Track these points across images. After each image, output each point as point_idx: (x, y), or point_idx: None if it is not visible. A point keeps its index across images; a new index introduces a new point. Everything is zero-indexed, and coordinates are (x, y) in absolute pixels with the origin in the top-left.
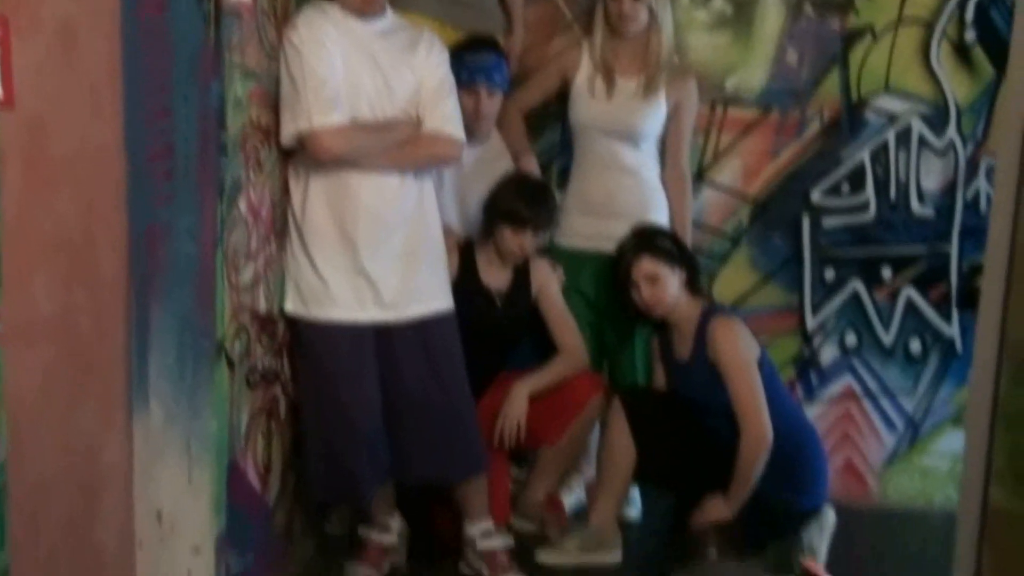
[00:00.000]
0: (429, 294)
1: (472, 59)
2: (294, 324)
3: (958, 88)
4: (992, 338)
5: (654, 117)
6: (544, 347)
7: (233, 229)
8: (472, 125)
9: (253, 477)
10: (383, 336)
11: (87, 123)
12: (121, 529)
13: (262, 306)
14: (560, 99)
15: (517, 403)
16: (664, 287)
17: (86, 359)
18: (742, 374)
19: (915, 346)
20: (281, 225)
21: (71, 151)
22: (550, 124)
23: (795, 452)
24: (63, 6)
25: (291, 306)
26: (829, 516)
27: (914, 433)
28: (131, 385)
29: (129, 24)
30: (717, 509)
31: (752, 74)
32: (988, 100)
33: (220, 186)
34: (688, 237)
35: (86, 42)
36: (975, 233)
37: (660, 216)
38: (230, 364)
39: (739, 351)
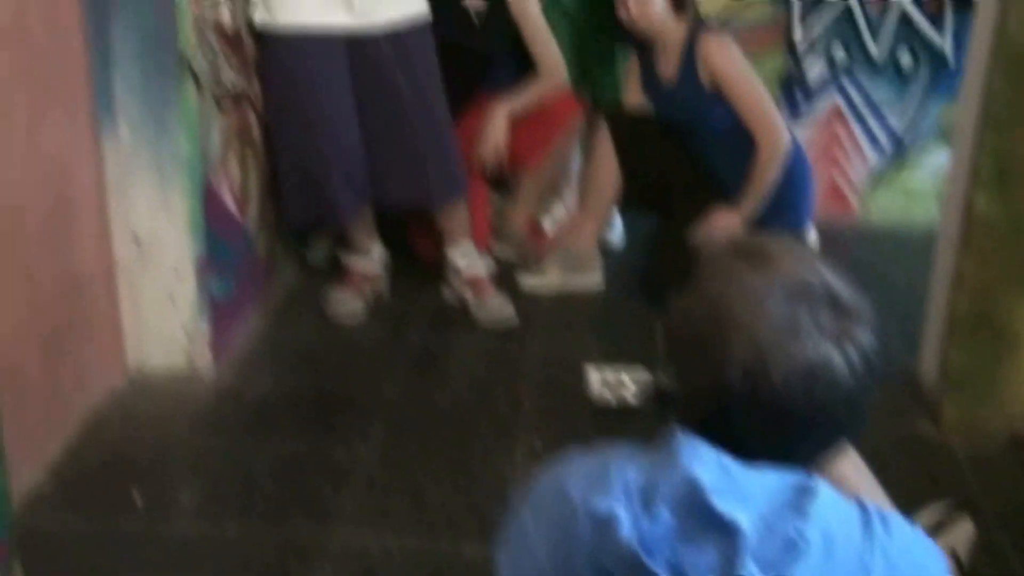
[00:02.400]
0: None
1: None
2: (262, 39)
3: None
4: (987, 36)
5: None
6: (524, 67)
7: None
8: None
9: (229, 201)
10: (356, 47)
11: None
12: (99, 251)
13: (227, 20)
14: None
15: (496, 125)
16: (650, 3)
17: (44, 71)
18: (745, 84)
19: (905, 60)
20: None
21: None
22: None
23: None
24: None
25: (259, 17)
26: (811, 236)
27: (900, 151)
28: (96, 102)
29: None
30: (727, 219)
31: None
32: None
33: None
34: None
35: None
36: None
37: None
38: (197, 82)
39: (736, 63)
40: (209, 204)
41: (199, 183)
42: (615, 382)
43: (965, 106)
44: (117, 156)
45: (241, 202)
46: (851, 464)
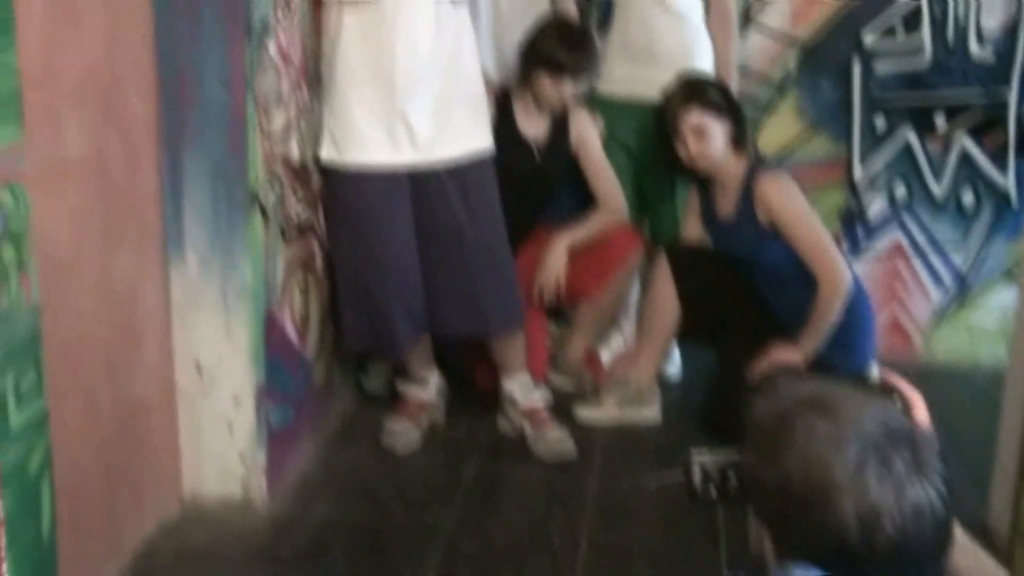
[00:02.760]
0: (466, 134)
1: None
2: (328, 173)
3: None
4: None
5: None
6: (583, 200)
7: (263, 73)
8: None
9: (290, 330)
10: (418, 180)
11: None
12: (161, 379)
13: (295, 155)
14: None
15: (556, 257)
16: (711, 140)
17: (119, 205)
18: (804, 223)
19: (967, 198)
20: (313, 72)
21: None
22: None
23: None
24: None
25: (325, 153)
26: (874, 374)
27: (963, 289)
28: (166, 233)
29: None
30: (786, 354)
31: None
32: None
33: (247, 27)
34: (733, 84)
35: None
36: None
37: (704, 62)
38: (264, 214)
39: (794, 203)
40: (270, 332)
41: (262, 312)
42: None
43: None
44: (183, 285)
45: (301, 330)
46: (965, 554)
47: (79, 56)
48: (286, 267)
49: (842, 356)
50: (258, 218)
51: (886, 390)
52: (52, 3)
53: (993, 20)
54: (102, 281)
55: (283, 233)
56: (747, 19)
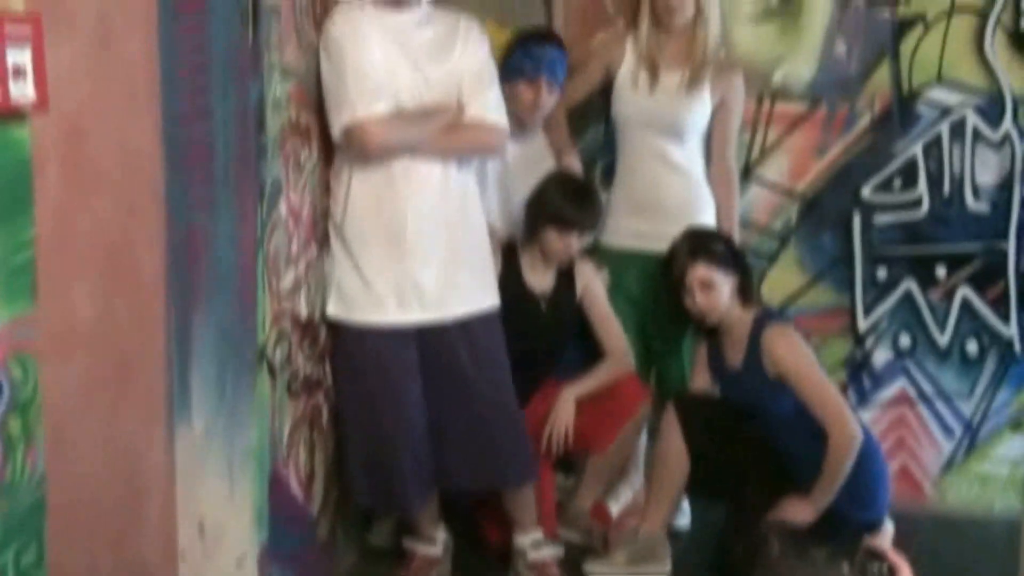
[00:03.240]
0: (473, 293)
1: (538, 51)
2: (335, 328)
3: (1014, 78)
4: None
5: (698, 111)
6: (590, 352)
7: (273, 233)
8: (527, 117)
9: (295, 487)
10: (426, 336)
11: (124, 125)
12: (164, 541)
13: (303, 311)
14: (603, 95)
15: (565, 409)
16: (717, 293)
17: (126, 368)
18: (812, 378)
19: (972, 347)
20: (322, 228)
21: (108, 154)
22: (593, 121)
23: (856, 465)
24: (97, 4)
25: (333, 310)
26: (887, 526)
27: (972, 438)
28: (172, 394)
29: (166, 23)
30: (798, 511)
31: (800, 66)
32: None
33: (260, 189)
34: (736, 236)
35: (122, 41)
36: None
37: (707, 215)
38: (271, 372)
39: (801, 356)
40: (275, 491)
41: (266, 473)
42: None
43: None
44: (188, 446)
45: (306, 487)
46: None
47: (91, 222)
48: (292, 424)
49: (857, 510)
50: (265, 377)
51: (873, 557)
52: (67, 173)
53: (987, 176)
54: (106, 446)
55: (290, 389)
56: (748, 172)
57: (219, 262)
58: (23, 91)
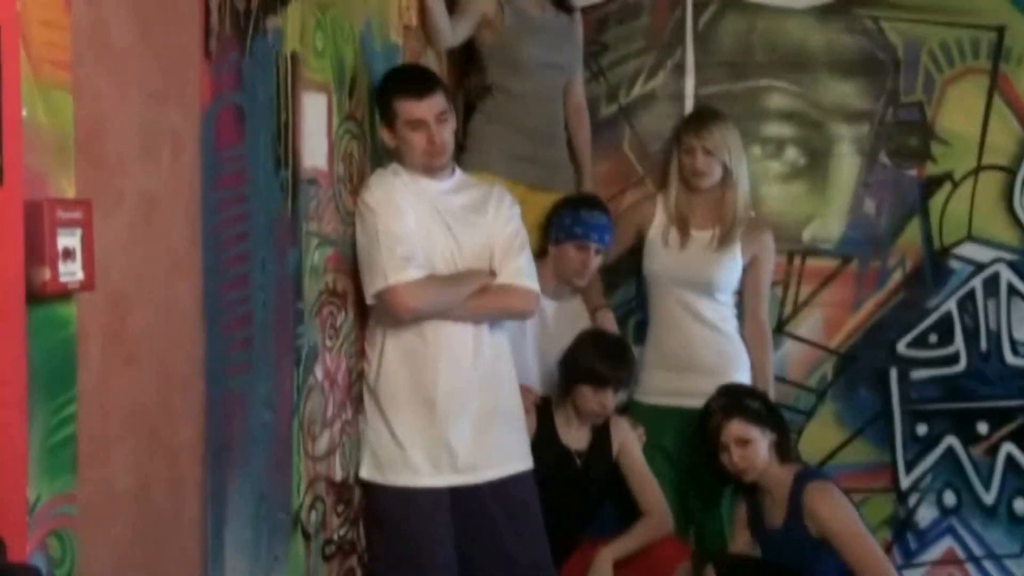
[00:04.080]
0: (507, 455)
1: (589, 216)
2: (369, 490)
3: None
4: None
5: (729, 268)
6: (626, 510)
7: (309, 397)
8: (574, 280)
9: None
10: (460, 498)
11: (167, 294)
12: None
13: (338, 474)
14: (634, 253)
15: (603, 570)
16: (755, 450)
17: (161, 534)
18: (857, 538)
19: (1020, 505)
20: (357, 390)
21: (151, 323)
22: (625, 278)
23: None
24: (144, 182)
25: (367, 473)
26: None
27: None
28: (206, 559)
29: (208, 195)
30: None
31: (829, 224)
32: None
33: (297, 354)
34: (771, 392)
35: (166, 215)
36: None
37: (742, 371)
38: (306, 536)
39: (845, 515)
40: None
41: None
42: None
43: None
44: None
45: None
46: None
47: (131, 391)
48: None
49: None
50: (300, 541)
51: None
52: (109, 346)
53: None
54: None
55: (324, 553)
56: (781, 329)
57: (255, 426)
58: (72, 272)
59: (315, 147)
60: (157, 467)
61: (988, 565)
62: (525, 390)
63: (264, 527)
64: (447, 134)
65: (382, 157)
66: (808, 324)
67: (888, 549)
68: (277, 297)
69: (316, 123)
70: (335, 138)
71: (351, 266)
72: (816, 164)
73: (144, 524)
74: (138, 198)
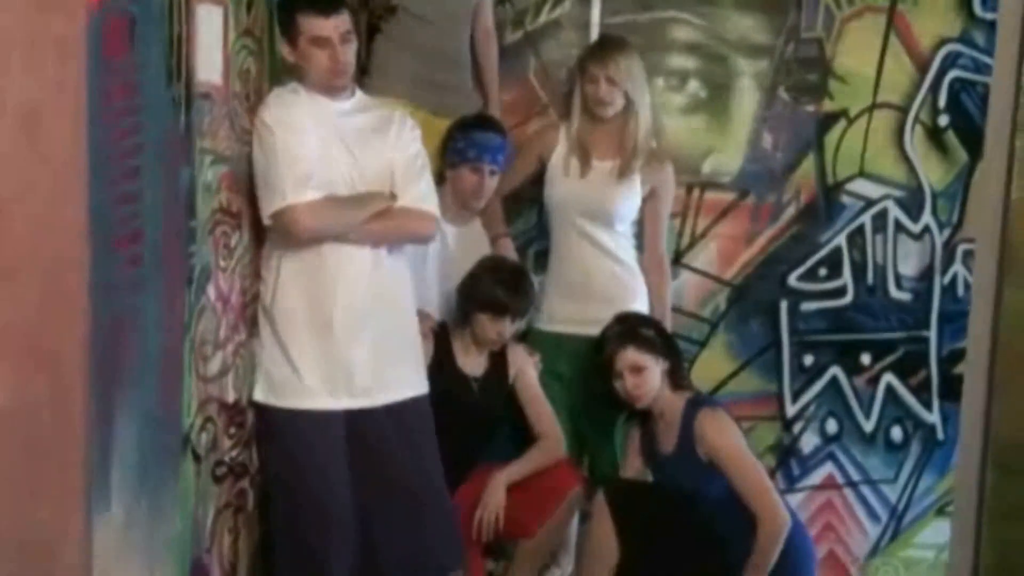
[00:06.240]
0: (403, 380)
1: (482, 138)
2: (262, 412)
3: (932, 173)
4: (976, 431)
5: (628, 199)
6: (522, 436)
7: (201, 317)
8: (470, 203)
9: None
10: (355, 422)
11: (50, 209)
12: None
13: (231, 396)
14: (537, 181)
15: (496, 493)
16: (648, 377)
17: (44, 455)
18: (743, 462)
19: (896, 433)
20: (252, 312)
21: (32, 238)
22: (527, 206)
23: (783, 549)
24: (26, 91)
25: (260, 395)
26: None
27: (897, 524)
28: (91, 482)
29: (95, 109)
30: None
31: (728, 157)
32: (962, 185)
33: (189, 274)
34: (668, 322)
35: (51, 127)
36: (954, 318)
37: (638, 300)
38: (196, 458)
39: (733, 440)
40: None
41: (188, 562)
42: None
43: (960, 499)
44: (107, 535)
45: (229, 573)
46: None
47: (11, 305)
48: (216, 510)
49: None
50: (190, 463)
51: None
52: None
53: (909, 267)
54: (20, 535)
55: (215, 475)
56: (678, 260)
57: (145, 346)
58: None
59: (210, 61)
60: (39, 386)
61: (864, 490)
62: (423, 315)
63: (152, 449)
64: (351, 54)
65: (282, 75)
66: (704, 256)
67: (772, 474)
68: (168, 215)
69: (211, 36)
70: (232, 53)
71: (248, 186)
72: (717, 98)
73: (25, 444)
74: (19, 108)
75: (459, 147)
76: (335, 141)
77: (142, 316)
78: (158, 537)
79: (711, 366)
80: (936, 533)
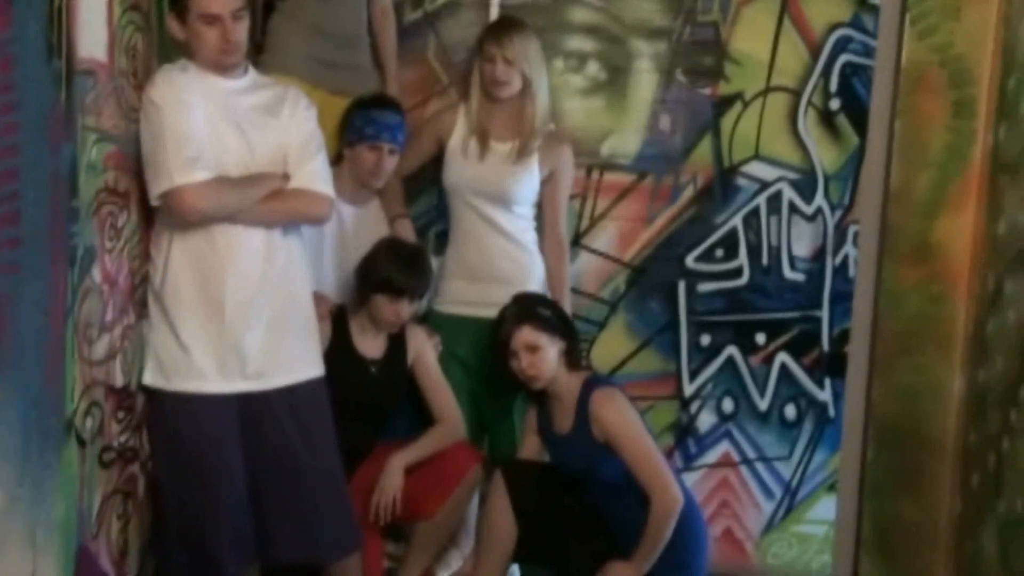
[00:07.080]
0: (297, 362)
1: (380, 115)
2: (153, 396)
3: (825, 155)
4: (859, 409)
5: (526, 181)
6: (421, 417)
7: (86, 299)
8: (368, 182)
9: (106, 562)
10: (247, 405)
11: None
12: None
13: (119, 380)
14: (437, 162)
15: (393, 475)
16: (544, 357)
17: None
18: (636, 442)
19: (790, 411)
20: (141, 294)
21: None
22: (426, 188)
23: (676, 528)
24: None
25: (150, 378)
26: None
27: (791, 500)
28: None
29: None
30: (621, 574)
31: (626, 139)
32: (854, 167)
33: (71, 254)
34: (567, 304)
35: None
36: (844, 299)
37: (538, 282)
38: (81, 443)
39: (627, 420)
40: (83, 568)
41: (73, 548)
42: None
43: (844, 473)
44: None
45: (119, 562)
46: None
47: None
48: (104, 496)
49: (676, 572)
50: (74, 448)
51: None
52: None
53: (802, 248)
54: None
55: (102, 460)
56: (577, 241)
57: (25, 329)
58: None
59: (92, 36)
60: None
61: (759, 467)
62: (320, 298)
63: (35, 433)
64: (242, 32)
65: (171, 52)
66: (603, 237)
67: (670, 454)
68: (49, 194)
69: (94, 10)
70: (117, 28)
71: (137, 165)
72: (616, 80)
73: None
74: None
75: (357, 125)
76: (226, 120)
77: (22, 298)
78: (41, 521)
79: (611, 347)
80: (827, 509)
